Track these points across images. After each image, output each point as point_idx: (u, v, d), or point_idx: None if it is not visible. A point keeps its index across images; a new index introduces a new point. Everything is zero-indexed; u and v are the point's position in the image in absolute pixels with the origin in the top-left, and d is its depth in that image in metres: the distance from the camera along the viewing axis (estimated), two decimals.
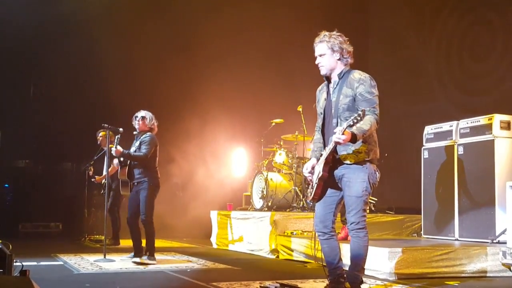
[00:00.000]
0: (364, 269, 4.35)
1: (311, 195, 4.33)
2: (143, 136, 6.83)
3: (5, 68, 10.35)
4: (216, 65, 11.13)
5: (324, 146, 4.33)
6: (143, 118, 6.86)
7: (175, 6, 11.13)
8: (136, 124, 6.91)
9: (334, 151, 4.19)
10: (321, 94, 4.48)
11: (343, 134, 3.96)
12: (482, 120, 6.79)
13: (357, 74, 4.25)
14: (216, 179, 11.05)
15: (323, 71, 4.36)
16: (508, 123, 6.66)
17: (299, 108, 9.13)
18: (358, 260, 4.28)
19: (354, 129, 3.97)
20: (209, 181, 10.96)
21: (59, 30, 10.33)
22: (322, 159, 4.23)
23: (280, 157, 9.22)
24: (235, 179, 11.43)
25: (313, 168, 4.36)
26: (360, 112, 3.95)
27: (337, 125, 4.14)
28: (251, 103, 11.20)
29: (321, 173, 4.20)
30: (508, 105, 7.71)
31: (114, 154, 6.68)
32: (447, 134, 7.22)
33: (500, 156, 6.53)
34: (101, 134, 9.14)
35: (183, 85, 11.21)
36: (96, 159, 9.32)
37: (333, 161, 4.22)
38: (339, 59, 4.29)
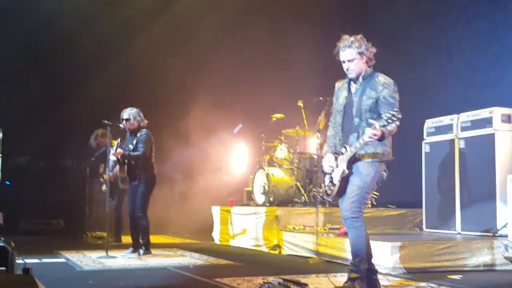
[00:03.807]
0: (364, 259, 4.29)
1: (332, 192, 4.39)
2: (140, 134, 7.06)
3: (4, 65, 10.32)
4: (216, 61, 11.10)
5: (342, 143, 4.40)
6: (126, 120, 7.08)
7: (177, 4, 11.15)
8: (124, 125, 7.13)
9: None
10: (340, 92, 4.56)
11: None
12: (483, 113, 6.78)
13: (382, 78, 4.37)
14: (217, 174, 11.04)
15: (352, 75, 4.42)
16: (509, 116, 6.65)
17: (300, 103, 9.10)
18: (358, 250, 4.30)
19: (383, 129, 4.07)
20: (210, 176, 10.95)
21: (60, 26, 10.29)
22: (345, 158, 4.30)
23: (281, 152, 9.21)
24: (236, 174, 11.42)
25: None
26: (394, 113, 4.03)
27: (358, 125, 4.28)
28: (251, 98, 11.18)
29: (346, 171, 4.29)
30: (509, 98, 7.68)
31: (113, 157, 7.10)
32: (448, 128, 7.22)
33: (500, 149, 6.53)
34: (99, 133, 9.07)
35: (183, 82, 11.19)
36: (97, 157, 9.30)
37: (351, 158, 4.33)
38: (366, 62, 4.37)
